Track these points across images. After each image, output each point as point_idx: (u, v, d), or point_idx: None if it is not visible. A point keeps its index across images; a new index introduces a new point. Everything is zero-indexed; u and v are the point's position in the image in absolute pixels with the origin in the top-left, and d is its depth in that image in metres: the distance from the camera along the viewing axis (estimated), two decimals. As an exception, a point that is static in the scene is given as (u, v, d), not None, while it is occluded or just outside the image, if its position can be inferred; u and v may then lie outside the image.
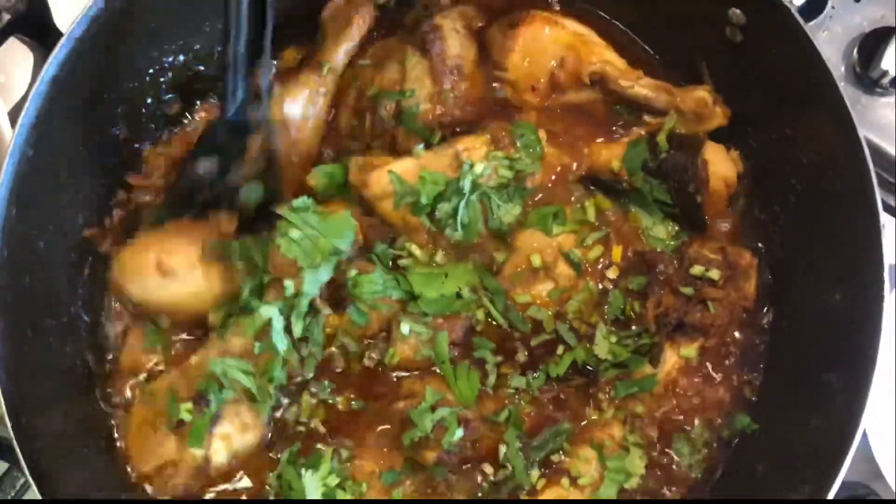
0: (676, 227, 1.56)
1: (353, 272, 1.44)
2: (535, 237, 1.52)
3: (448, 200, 1.48)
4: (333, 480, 1.41)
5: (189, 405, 1.39)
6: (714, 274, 1.47)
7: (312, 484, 1.40)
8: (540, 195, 1.56)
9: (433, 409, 1.41)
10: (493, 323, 1.50)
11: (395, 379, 1.50)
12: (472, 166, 1.48)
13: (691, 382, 1.51)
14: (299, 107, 1.60)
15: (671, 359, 1.48)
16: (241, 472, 1.46)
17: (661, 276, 1.50)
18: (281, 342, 1.39)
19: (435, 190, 1.47)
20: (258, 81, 1.38)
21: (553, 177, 1.58)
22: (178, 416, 1.38)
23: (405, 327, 1.46)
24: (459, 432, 1.40)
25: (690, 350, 1.49)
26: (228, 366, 1.39)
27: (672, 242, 1.55)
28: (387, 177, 1.48)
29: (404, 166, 1.49)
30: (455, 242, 1.50)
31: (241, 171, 1.45)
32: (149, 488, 1.43)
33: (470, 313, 1.49)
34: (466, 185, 1.47)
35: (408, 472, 1.44)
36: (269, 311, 1.38)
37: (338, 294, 1.46)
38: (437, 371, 1.48)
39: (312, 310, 1.44)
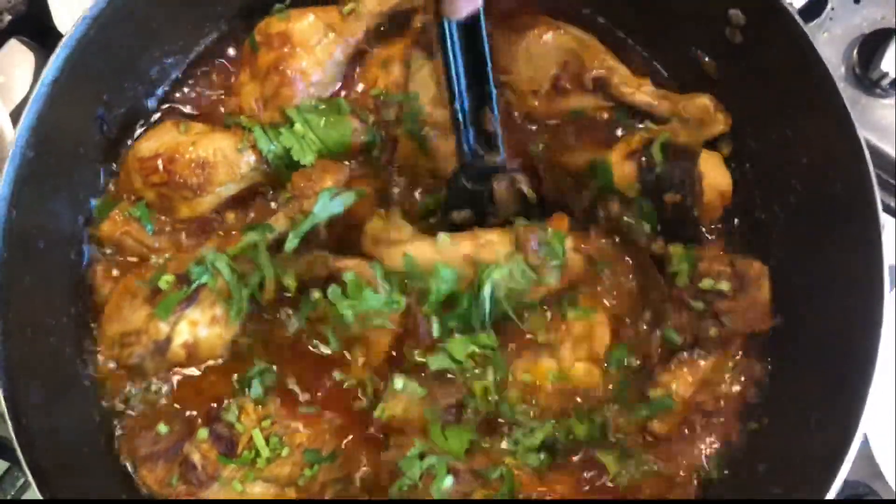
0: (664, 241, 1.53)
1: (349, 275, 1.42)
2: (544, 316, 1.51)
3: (462, 299, 1.46)
4: (267, 423, 1.43)
5: (171, 278, 1.43)
6: (724, 286, 1.45)
7: (252, 416, 1.43)
8: None
9: (422, 457, 1.39)
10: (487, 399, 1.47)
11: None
12: (489, 271, 1.44)
13: (704, 395, 1.51)
14: (306, 25, 1.57)
15: (688, 376, 1.47)
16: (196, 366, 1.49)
17: (671, 294, 1.49)
18: (267, 265, 1.44)
19: (447, 289, 1.45)
20: (487, 127, 1.41)
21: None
22: (157, 282, 1.43)
23: (399, 383, 1.44)
24: (449, 480, 1.38)
25: (708, 365, 1.47)
26: (218, 257, 1.43)
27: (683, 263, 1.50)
28: (401, 257, 1.46)
29: (421, 250, 1.46)
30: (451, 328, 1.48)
31: (497, 216, 1.49)
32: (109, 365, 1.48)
33: (465, 386, 1.46)
34: (486, 292, 1.44)
35: (328, 462, 1.44)
36: (253, 237, 1.45)
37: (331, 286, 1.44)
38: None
39: (302, 294, 1.46)
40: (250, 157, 1.53)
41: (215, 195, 1.53)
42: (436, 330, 1.46)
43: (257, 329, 1.51)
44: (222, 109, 1.64)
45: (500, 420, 1.47)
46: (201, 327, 1.44)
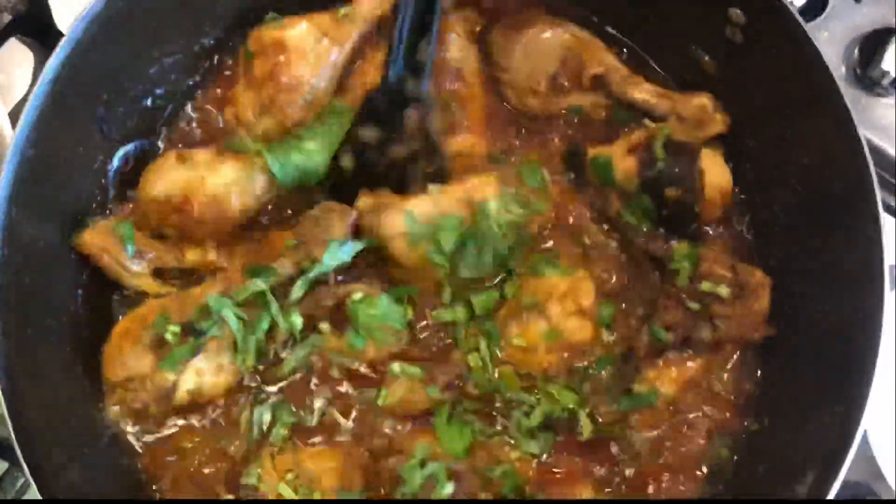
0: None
1: (357, 295, 1.45)
2: (529, 281, 1.52)
3: (469, 242, 1.47)
4: (291, 476, 1.41)
5: (177, 329, 1.42)
6: (723, 291, 1.45)
7: (274, 473, 1.42)
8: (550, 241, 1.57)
9: (423, 464, 1.39)
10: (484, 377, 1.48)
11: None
12: (486, 206, 1.46)
13: (693, 392, 1.51)
14: (299, 31, 1.56)
15: (675, 375, 1.48)
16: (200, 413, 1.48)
17: (669, 288, 1.49)
18: (277, 313, 1.43)
19: (453, 235, 1.46)
20: (420, 56, 1.45)
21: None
22: (164, 333, 1.41)
23: (395, 367, 1.46)
24: (450, 487, 1.38)
25: (695, 366, 1.48)
26: (225, 304, 1.42)
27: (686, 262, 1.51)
28: (401, 217, 1.46)
29: (419, 207, 1.47)
30: (464, 279, 1.49)
31: (402, 146, 1.50)
32: (113, 408, 1.46)
33: (462, 361, 1.48)
34: (491, 224, 1.46)
35: (361, 496, 1.43)
36: (259, 285, 1.43)
37: (339, 314, 1.45)
38: (429, 423, 1.47)
39: (313, 328, 1.46)
40: (262, 181, 1.52)
41: (234, 222, 1.53)
42: (446, 296, 1.50)
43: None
44: (221, 122, 1.64)
45: (496, 405, 1.48)
46: (207, 376, 1.44)
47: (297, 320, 1.44)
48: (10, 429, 1.27)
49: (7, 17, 1.82)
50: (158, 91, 1.62)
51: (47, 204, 1.44)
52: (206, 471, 1.47)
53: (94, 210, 1.55)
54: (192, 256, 1.53)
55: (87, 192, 1.54)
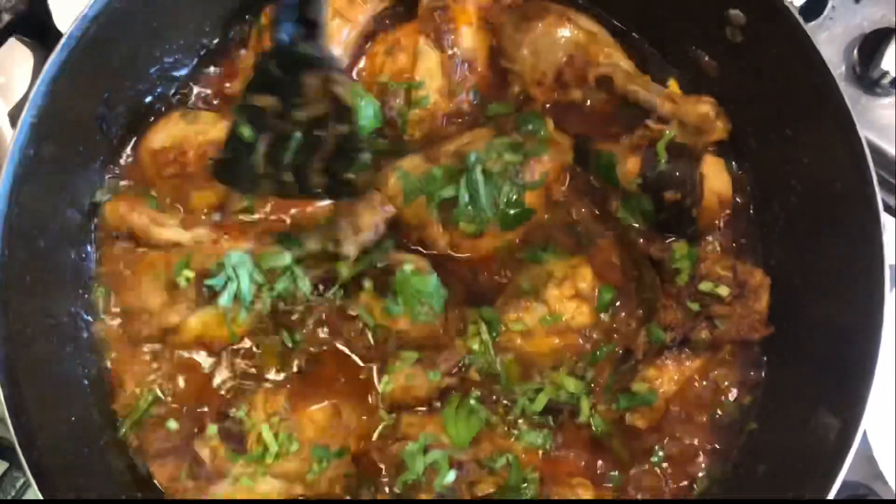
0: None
1: (409, 266, 1.45)
2: (527, 267, 1.53)
3: (458, 189, 1.47)
4: (276, 420, 1.43)
5: (191, 274, 1.43)
6: (723, 291, 1.45)
7: (261, 412, 1.44)
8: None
9: (425, 451, 1.40)
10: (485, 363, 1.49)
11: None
12: (477, 156, 1.46)
13: (693, 392, 1.52)
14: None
15: (674, 374, 1.48)
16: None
17: (669, 288, 1.49)
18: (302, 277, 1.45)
19: (444, 186, 1.47)
20: (310, 16, 1.27)
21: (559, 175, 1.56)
22: (179, 276, 1.43)
23: (399, 352, 1.47)
24: (452, 475, 1.38)
25: (694, 366, 1.49)
26: (243, 263, 1.43)
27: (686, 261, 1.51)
28: (395, 175, 1.48)
29: (411, 163, 1.49)
30: (468, 234, 1.49)
31: (303, 113, 1.33)
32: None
33: (463, 347, 1.48)
34: (477, 173, 1.46)
35: (336, 458, 1.44)
36: (286, 259, 1.44)
37: (385, 279, 1.46)
38: (437, 411, 1.48)
39: (354, 283, 1.47)
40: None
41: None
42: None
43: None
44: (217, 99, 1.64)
45: (501, 394, 1.49)
46: (212, 325, 1.46)
47: (344, 270, 1.46)
48: (10, 429, 1.27)
49: (7, 17, 1.82)
50: (159, 90, 1.62)
51: (47, 203, 1.44)
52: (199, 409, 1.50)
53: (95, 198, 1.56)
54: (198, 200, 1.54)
55: (87, 191, 1.54)
